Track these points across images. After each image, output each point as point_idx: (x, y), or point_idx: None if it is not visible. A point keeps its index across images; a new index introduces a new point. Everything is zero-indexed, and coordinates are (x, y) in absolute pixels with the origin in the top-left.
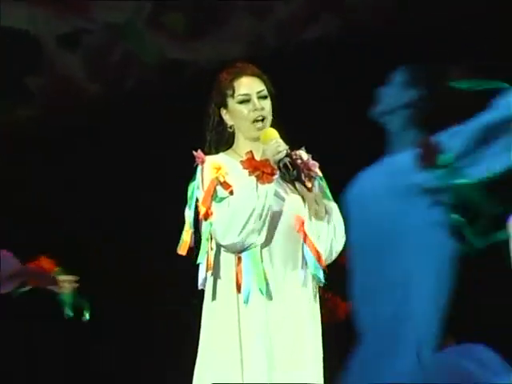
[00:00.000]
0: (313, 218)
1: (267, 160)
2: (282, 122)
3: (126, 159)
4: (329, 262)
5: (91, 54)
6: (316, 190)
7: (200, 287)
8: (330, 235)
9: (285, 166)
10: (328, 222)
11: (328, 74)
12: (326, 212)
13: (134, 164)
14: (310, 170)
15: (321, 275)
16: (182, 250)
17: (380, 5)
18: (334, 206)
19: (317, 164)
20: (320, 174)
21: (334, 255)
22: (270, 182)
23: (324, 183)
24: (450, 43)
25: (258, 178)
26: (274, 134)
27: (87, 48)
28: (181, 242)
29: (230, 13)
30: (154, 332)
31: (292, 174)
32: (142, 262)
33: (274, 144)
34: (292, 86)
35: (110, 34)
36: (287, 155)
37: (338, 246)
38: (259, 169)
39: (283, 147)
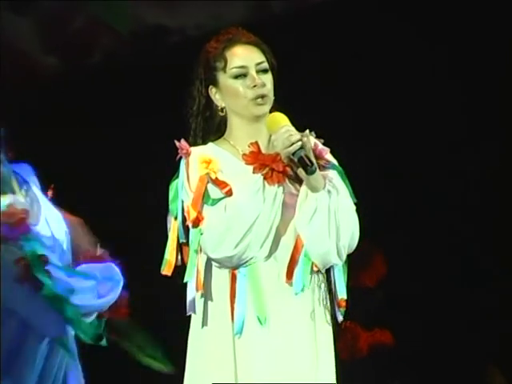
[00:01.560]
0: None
1: (277, 154)
2: (286, 103)
3: (92, 152)
4: (337, 261)
5: (47, 19)
6: (334, 181)
7: (189, 312)
8: (332, 235)
9: (300, 160)
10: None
11: (345, 46)
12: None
13: (101, 159)
14: (320, 158)
15: (339, 315)
16: (167, 270)
17: None
18: (345, 203)
19: (327, 149)
20: (334, 160)
21: (344, 252)
22: (280, 182)
23: (340, 173)
24: None
25: (266, 177)
26: (283, 119)
27: (41, 12)
28: (164, 260)
29: None
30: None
31: (311, 170)
32: None
33: (284, 133)
34: (300, 60)
35: None
36: (301, 146)
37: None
38: (268, 165)
39: (297, 136)
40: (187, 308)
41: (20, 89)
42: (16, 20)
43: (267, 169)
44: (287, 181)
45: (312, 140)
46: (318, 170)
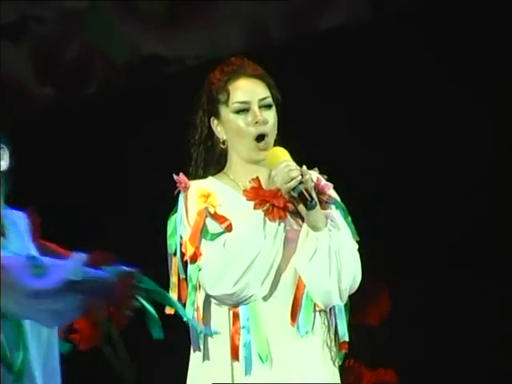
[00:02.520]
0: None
1: (278, 190)
2: (287, 133)
3: (87, 184)
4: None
5: (42, 48)
6: (336, 220)
7: (194, 351)
8: (333, 276)
9: (300, 195)
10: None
11: (351, 76)
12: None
13: (96, 191)
14: (322, 193)
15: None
16: (170, 308)
17: None
18: (348, 243)
19: (330, 185)
20: (336, 196)
21: (345, 294)
22: (281, 218)
23: (343, 210)
24: None
25: (267, 214)
26: (282, 154)
27: (37, 40)
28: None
29: None
30: None
31: (310, 205)
32: None
33: (284, 168)
34: (299, 89)
35: (67, 21)
36: (301, 181)
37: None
38: (268, 201)
39: (297, 172)
40: (192, 346)
41: (15, 119)
42: (10, 48)
43: (268, 205)
44: (289, 216)
45: (314, 175)
46: (318, 206)
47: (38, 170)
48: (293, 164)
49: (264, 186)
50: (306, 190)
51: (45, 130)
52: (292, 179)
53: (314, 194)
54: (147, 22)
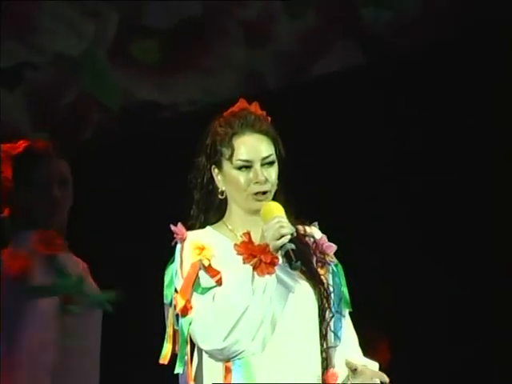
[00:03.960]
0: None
1: (267, 245)
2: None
3: (80, 234)
4: None
5: (36, 94)
6: (331, 283)
7: None
8: None
9: (286, 253)
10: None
11: (349, 121)
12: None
13: (86, 235)
14: (324, 253)
15: None
16: (164, 359)
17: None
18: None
19: (334, 247)
20: (335, 260)
21: None
22: (270, 273)
23: (341, 274)
24: None
25: (255, 268)
26: (276, 209)
27: (31, 87)
28: (163, 352)
29: (219, 39)
30: None
31: (295, 265)
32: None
33: (275, 224)
34: (294, 134)
35: (63, 68)
36: (291, 240)
37: None
38: (256, 256)
39: (288, 229)
40: None
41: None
42: (4, 95)
43: (256, 259)
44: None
45: (318, 232)
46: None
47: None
48: (285, 221)
49: (257, 238)
50: (293, 250)
51: None
52: (282, 236)
53: (299, 256)
54: (142, 69)
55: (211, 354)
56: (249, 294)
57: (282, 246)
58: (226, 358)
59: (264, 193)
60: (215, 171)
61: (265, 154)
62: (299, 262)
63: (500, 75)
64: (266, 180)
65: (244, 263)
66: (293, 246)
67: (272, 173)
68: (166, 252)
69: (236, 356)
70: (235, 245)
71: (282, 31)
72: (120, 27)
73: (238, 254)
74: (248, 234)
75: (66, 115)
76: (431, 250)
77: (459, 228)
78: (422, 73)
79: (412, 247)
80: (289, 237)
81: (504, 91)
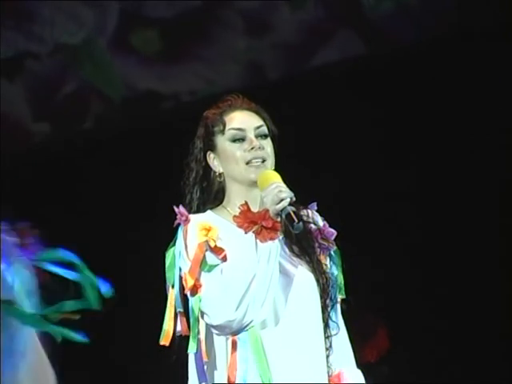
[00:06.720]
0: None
1: (266, 211)
2: (283, 168)
3: (85, 217)
4: None
5: (37, 84)
6: (329, 269)
7: (201, 383)
8: None
9: (288, 216)
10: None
11: (347, 112)
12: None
13: (91, 224)
14: (325, 239)
15: None
16: (165, 340)
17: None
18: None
19: (334, 233)
20: (334, 246)
21: None
22: (272, 238)
23: (340, 259)
24: None
25: (257, 235)
26: (273, 176)
27: (32, 77)
28: (163, 331)
29: (220, 30)
30: None
31: (297, 226)
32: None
33: (273, 189)
34: (294, 126)
35: (63, 58)
36: (291, 204)
37: None
38: (257, 222)
39: (286, 193)
40: (198, 379)
41: (10, 156)
42: (4, 85)
43: (257, 226)
44: (287, 251)
45: (320, 219)
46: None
47: (32, 206)
48: (283, 186)
49: (255, 210)
50: (294, 212)
51: (40, 167)
52: (281, 200)
53: (301, 215)
54: (143, 60)
55: (222, 329)
56: (254, 262)
57: (282, 210)
58: (235, 331)
59: (262, 161)
60: (210, 156)
61: (257, 124)
62: (301, 223)
63: (499, 67)
64: (262, 148)
65: (246, 233)
66: (293, 209)
67: (267, 146)
68: (169, 239)
69: (246, 327)
70: (234, 216)
71: (282, 21)
72: (120, 17)
73: (238, 225)
74: (246, 203)
75: (66, 105)
76: (431, 236)
77: (458, 215)
78: (423, 64)
79: (412, 233)
80: (288, 200)
81: (504, 83)
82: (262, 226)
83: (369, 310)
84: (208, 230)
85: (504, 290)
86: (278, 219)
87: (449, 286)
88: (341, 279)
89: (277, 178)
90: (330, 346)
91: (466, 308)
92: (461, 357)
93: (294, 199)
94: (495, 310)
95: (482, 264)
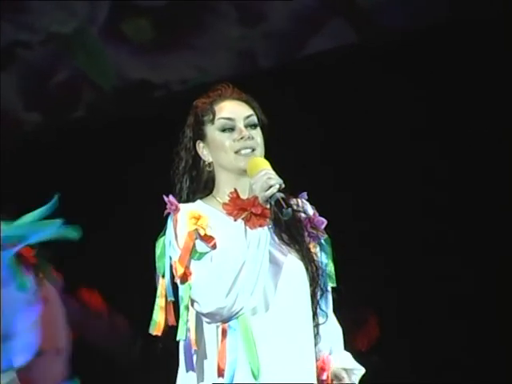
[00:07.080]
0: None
1: (255, 198)
2: (273, 157)
3: (73, 214)
4: None
5: (29, 73)
6: (319, 258)
7: (189, 371)
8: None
9: (277, 202)
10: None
11: (339, 100)
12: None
13: (83, 213)
14: (315, 228)
15: None
16: (156, 330)
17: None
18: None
19: (325, 222)
20: (325, 234)
21: None
22: (262, 225)
23: (330, 248)
24: None
25: (246, 222)
26: (262, 163)
27: (24, 66)
28: (153, 321)
29: (211, 19)
30: None
31: (286, 212)
32: None
33: (262, 176)
34: (286, 114)
35: (55, 47)
36: (280, 190)
37: None
38: (246, 209)
39: (275, 180)
40: (186, 366)
41: (2, 145)
42: None
43: (246, 213)
44: (276, 240)
45: (310, 208)
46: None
47: (24, 193)
48: (272, 172)
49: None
50: (283, 199)
51: (31, 156)
52: (270, 187)
53: (290, 202)
54: (135, 48)
55: (213, 317)
56: (244, 248)
57: (271, 197)
58: (226, 319)
59: (251, 150)
60: (200, 146)
61: (246, 114)
62: (290, 209)
63: (493, 55)
64: (252, 137)
65: (235, 219)
66: (282, 195)
67: (256, 135)
68: (160, 228)
69: (236, 314)
70: (224, 204)
71: (273, 10)
72: (112, 6)
73: (228, 212)
74: (235, 191)
75: (58, 94)
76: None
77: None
78: (415, 52)
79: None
80: (277, 186)
81: (497, 70)
82: (252, 212)
83: (359, 299)
84: (198, 218)
85: (498, 278)
86: (268, 206)
87: (442, 274)
88: (331, 268)
89: (266, 164)
90: (318, 334)
91: (459, 296)
92: (454, 346)
93: (283, 186)
94: (490, 299)
95: (476, 253)
